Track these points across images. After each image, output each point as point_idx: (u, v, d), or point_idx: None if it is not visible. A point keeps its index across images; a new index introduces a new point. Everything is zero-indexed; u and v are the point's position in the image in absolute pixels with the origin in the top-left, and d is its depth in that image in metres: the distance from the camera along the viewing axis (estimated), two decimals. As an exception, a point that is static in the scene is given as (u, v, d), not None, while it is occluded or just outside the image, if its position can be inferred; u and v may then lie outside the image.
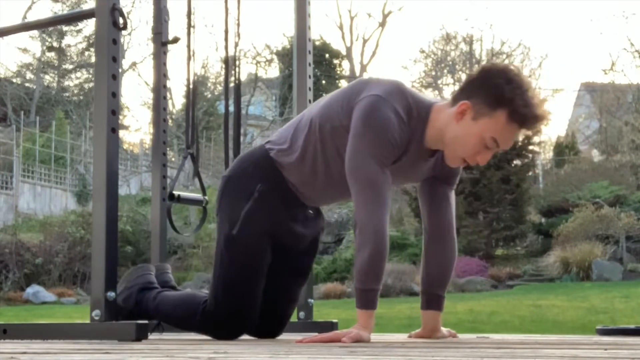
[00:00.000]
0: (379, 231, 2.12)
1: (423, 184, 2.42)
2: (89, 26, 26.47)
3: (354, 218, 2.17)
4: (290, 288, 2.59)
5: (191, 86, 3.28)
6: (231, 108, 3.41)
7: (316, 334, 2.18)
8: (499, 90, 2.12)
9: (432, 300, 2.40)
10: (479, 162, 2.19)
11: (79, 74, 29.03)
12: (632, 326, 2.95)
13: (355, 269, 2.14)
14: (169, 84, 3.51)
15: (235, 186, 2.43)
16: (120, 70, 2.51)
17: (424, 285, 2.42)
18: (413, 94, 2.25)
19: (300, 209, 2.47)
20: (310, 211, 2.52)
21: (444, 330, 2.44)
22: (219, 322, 2.41)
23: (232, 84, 3.34)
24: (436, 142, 2.24)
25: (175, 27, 3.56)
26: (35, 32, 26.82)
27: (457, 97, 2.20)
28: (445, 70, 26.77)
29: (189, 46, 3.31)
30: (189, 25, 3.37)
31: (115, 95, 2.34)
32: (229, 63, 3.33)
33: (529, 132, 2.25)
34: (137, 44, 41.21)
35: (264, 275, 2.43)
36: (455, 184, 2.44)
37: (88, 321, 2.26)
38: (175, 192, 3.27)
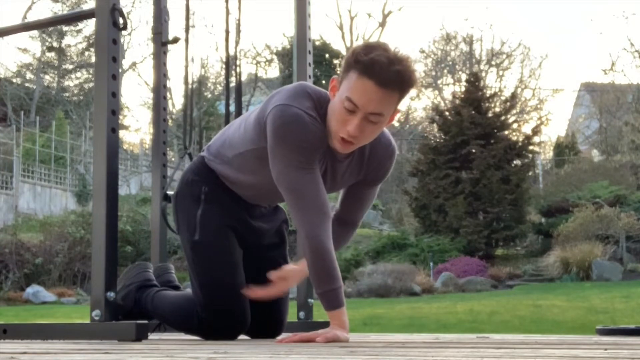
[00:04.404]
0: (312, 236, 2.13)
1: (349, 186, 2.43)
2: (89, 26, 26.52)
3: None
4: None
5: (190, 86, 3.29)
6: (232, 108, 3.42)
7: (298, 333, 2.18)
8: (349, 54, 2.10)
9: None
10: (351, 133, 2.09)
11: (79, 74, 29.04)
12: (632, 326, 2.95)
13: (310, 277, 2.19)
14: (169, 84, 3.51)
15: (184, 198, 2.52)
16: (120, 70, 2.51)
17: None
18: (317, 92, 2.23)
19: (252, 204, 2.53)
20: (265, 206, 2.57)
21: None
22: (214, 324, 2.43)
23: (232, 84, 3.35)
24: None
25: (175, 27, 3.57)
26: (35, 32, 26.83)
27: None
28: (445, 70, 26.78)
29: (186, 48, 3.31)
30: (187, 27, 3.37)
31: (115, 95, 2.35)
32: (229, 63, 3.34)
33: (400, 92, 2.08)
34: (137, 44, 41.29)
35: (239, 267, 2.47)
36: (381, 181, 2.43)
37: (88, 321, 2.26)
38: (170, 192, 3.28)
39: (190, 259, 2.47)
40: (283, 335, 2.22)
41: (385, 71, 2.03)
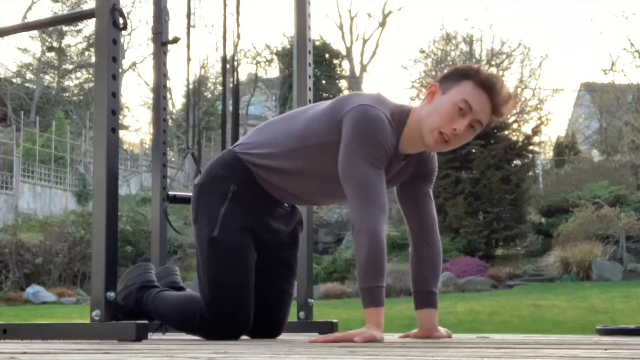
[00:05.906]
0: (372, 230, 2.17)
1: (402, 185, 2.48)
2: (89, 26, 26.51)
3: (351, 220, 2.23)
4: (278, 282, 2.61)
5: (191, 86, 3.29)
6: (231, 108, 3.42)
7: (332, 334, 2.18)
8: (462, 68, 2.33)
9: (427, 298, 2.42)
10: (458, 130, 2.24)
11: (79, 74, 29.04)
12: (632, 326, 2.95)
13: (357, 270, 2.19)
14: (169, 84, 3.51)
15: (209, 191, 2.48)
16: (120, 70, 2.51)
17: (417, 284, 2.45)
18: (393, 104, 2.35)
19: (276, 205, 2.52)
20: (286, 205, 2.57)
21: (442, 329, 2.44)
22: (216, 325, 2.42)
23: (231, 85, 3.35)
24: (413, 140, 2.31)
25: (175, 27, 3.56)
26: (35, 32, 26.83)
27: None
28: (445, 70, 26.69)
29: (188, 46, 3.31)
30: (189, 26, 3.37)
31: (115, 95, 2.34)
32: (229, 63, 3.34)
33: (499, 113, 2.29)
34: (137, 44, 41.31)
35: (252, 271, 2.46)
36: (433, 181, 2.50)
37: (88, 321, 2.26)
38: (172, 193, 3.29)
39: (204, 254, 2.45)
40: (283, 336, 2.22)
41: (499, 92, 2.25)
